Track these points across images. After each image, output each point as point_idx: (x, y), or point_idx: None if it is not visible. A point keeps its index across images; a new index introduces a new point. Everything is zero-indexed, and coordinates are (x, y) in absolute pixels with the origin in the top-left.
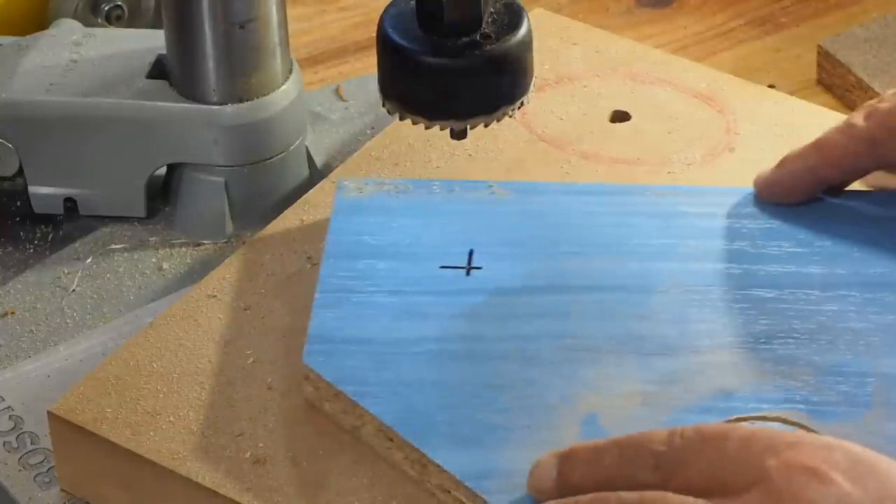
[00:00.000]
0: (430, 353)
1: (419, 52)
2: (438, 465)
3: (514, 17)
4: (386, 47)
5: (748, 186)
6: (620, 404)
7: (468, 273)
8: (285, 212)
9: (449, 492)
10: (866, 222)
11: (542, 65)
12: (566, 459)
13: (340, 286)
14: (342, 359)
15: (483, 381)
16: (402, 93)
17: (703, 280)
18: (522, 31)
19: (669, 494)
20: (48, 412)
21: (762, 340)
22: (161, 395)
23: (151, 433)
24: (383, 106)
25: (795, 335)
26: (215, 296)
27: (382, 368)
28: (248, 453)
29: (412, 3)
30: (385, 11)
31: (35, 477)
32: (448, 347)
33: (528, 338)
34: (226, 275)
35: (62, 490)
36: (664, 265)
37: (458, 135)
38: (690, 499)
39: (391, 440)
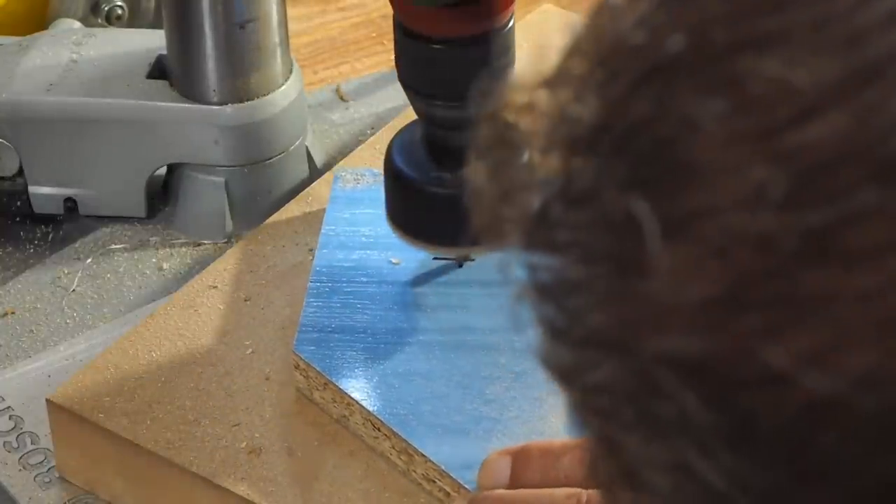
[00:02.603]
0: (420, 344)
1: (425, 183)
2: (424, 455)
3: None
4: (392, 177)
5: None
6: None
7: (461, 265)
8: (288, 203)
9: (434, 481)
10: None
11: (549, 60)
12: (521, 457)
13: (334, 276)
14: (332, 348)
15: (472, 372)
16: (407, 220)
17: None
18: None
19: None
20: (47, 400)
21: None
22: (159, 385)
23: (149, 422)
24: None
25: None
26: (216, 286)
27: (372, 358)
28: (244, 443)
29: (416, 133)
30: (393, 139)
31: (35, 477)
32: (438, 338)
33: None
34: (227, 265)
35: (60, 478)
36: None
37: (463, 260)
38: None
39: (378, 430)
